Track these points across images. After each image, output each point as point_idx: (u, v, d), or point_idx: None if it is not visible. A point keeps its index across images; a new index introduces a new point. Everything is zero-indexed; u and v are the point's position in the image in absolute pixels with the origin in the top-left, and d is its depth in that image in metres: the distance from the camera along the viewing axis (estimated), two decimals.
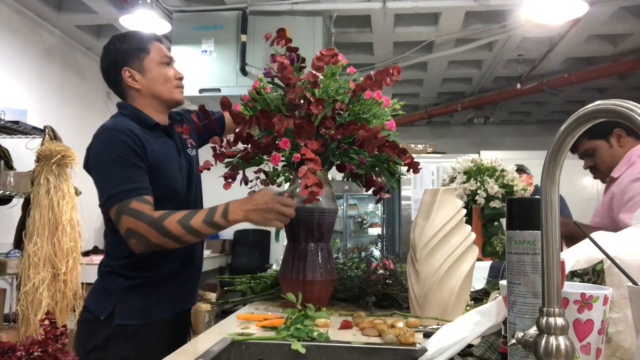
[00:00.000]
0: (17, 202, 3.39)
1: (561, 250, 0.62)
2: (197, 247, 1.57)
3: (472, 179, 2.08)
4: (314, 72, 1.30)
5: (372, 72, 1.33)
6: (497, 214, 2.07)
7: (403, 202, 4.30)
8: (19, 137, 3.48)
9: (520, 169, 4.10)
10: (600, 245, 0.78)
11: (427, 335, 1.00)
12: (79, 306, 3.07)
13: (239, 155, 1.42)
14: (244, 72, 3.73)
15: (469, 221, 1.79)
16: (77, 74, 4.93)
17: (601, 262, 0.94)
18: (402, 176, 1.54)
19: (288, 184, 1.47)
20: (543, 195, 0.60)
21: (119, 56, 1.50)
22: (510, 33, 4.46)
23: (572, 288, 0.73)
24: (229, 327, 1.14)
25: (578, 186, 4.93)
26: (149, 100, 1.51)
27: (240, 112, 1.34)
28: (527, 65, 5.32)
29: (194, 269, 1.58)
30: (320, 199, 1.35)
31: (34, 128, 3.40)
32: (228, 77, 3.78)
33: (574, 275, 1.06)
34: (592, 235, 0.81)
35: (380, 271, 1.46)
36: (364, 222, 7.11)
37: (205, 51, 3.81)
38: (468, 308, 1.22)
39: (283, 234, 1.49)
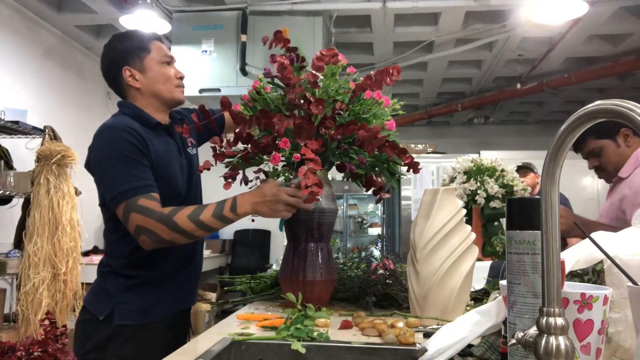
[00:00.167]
0: (17, 202, 3.39)
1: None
2: (197, 247, 1.57)
3: (472, 179, 2.08)
4: (314, 72, 1.30)
5: (372, 72, 1.33)
6: (497, 214, 2.07)
7: (403, 202, 4.30)
8: (19, 137, 3.48)
9: (528, 168, 4.08)
10: (600, 245, 0.78)
11: (427, 335, 1.00)
12: (79, 306, 3.07)
13: (239, 155, 1.42)
14: (244, 72, 3.73)
15: (469, 221, 1.79)
16: (77, 74, 4.93)
17: (601, 262, 0.94)
18: (402, 176, 1.54)
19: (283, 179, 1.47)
20: (543, 195, 0.60)
21: (120, 55, 1.50)
22: (510, 33, 4.46)
23: (572, 288, 0.73)
24: (229, 327, 1.14)
25: (578, 186, 4.93)
26: (149, 99, 1.51)
27: (240, 112, 1.34)
28: (527, 65, 5.32)
29: (194, 269, 1.58)
30: (320, 199, 1.35)
31: (34, 128, 3.40)
32: (228, 77, 3.78)
33: (574, 275, 1.06)
34: (592, 235, 0.81)
35: (380, 271, 1.46)
36: (364, 222, 7.12)
37: (205, 51, 3.81)
38: (468, 308, 1.22)
39: (283, 233, 1.49)
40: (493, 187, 2.03)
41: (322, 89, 1.35)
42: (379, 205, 6.41)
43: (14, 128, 3.27)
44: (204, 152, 1.51)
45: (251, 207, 1.33)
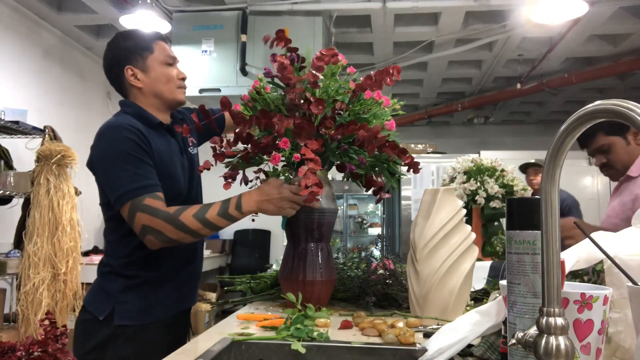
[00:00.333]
0: (17, 202, 3.39)
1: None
2: (197, 247, 1.57)
3: (472, 179, 2.08)
4: (314, 72, 1.30)
5: (372, 72, 1.33)
6: (497, 214, 2.07)
7: (403, 202, 4.30)
8: (19, 137, 3.48)
9: (540, 166, 4.03)
10: (600, 245, 0.78)
11: (427, 335, 1.00)
12: (79, 306, 3.07)
13: (239, 155, 1.42)
14: (244, 72, 3.73)
15: (469, 221, 1.79)
16: (77, 74, 4.93)
17: (601, 262, 0.94)
18: (402, 176, 1.54)
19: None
20: (543, 195, 0.60)
21: (122, 54, 1.49)
22: (510, 33, 4.46)
23: (572, 288, 0.73)
24: (229, 327, 1.14)
25: (578, 186, 4.93)
26: (150, 99, 1.51)
27: (240, 112, 1.34)
28: (527, 65, 5.32)
29: (194, 269, 1.58)
30: (320, 199, 1.35)
31: (34, 128, 3.40)
32: (228, 77, 3.78)
33: (574, 275, 1.06)
34: (592, 235, 0.81)
35: (380, 271, 1.46)
36: (364, 222, 7.12)
37: (205, 51, 3.81)
38: (468, 308, 1.22)
39: (283, 233, 1.49)
40: (493, 187, 2.03)
41: (322, 89, 1.35)
42: (379, 205, 6.41)
43: (14, 128, 3.27)
44: (204, 152, 1.51)
45: (256, 205, 1.34)
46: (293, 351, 0.97)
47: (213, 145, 1.41)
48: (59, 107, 4.61)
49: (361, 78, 1.36)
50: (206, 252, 5.80)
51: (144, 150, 1.37)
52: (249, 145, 1.37)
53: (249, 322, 1.20)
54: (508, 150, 5.59)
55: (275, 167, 1.48)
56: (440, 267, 1.16)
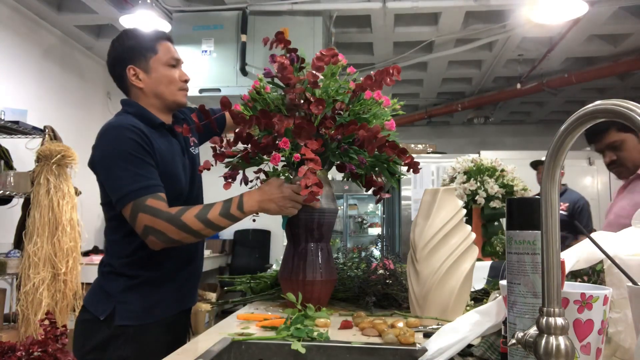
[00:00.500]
0: (17, 202, 3.39)
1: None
2: (198, 247, 1.57)
3: (472, 179, 2.08)
4: (314, 72, 1.30)
5: (372, 72, 1.33)
6: (497, 214, 2.07)
7: (403, 202, 4.30)
8: (19, 137, 3.48)
9: None
10: (600, 245, 0.78)
11: (427, 335, 1.00)
12: (79, 306, 3.08)
13: (239, 155, 1.42)
14: (244, 72, 3.73)
15: (469, 221, 1.79)
16: (77, 74, 4.93)
17: (601, 262, 0.94)
18: (402, 176, 1.54)
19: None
20: (543, 195, 0.60)
21: (126, 53, 1.49)
22: (510, 33, 4.46)
23: (572, 288, 0.73)
24: (229, 327, 1.14)
25: (578, 186, 4.93)
26: (151, 100, 1.50)
27: (240, 112, 1.34)
28: (527, 65, 5.32)
29: (195, 269, 1.58)
30: (320, 199, 1.35)
31: (34, 128, 3.40)
32: (228, 77, 3.78)
33: (574, 275, 1.06)
34: (592, 235, 0.81)
35: (380, 271, 1.46)
36: (364, 222, 7.12)
37: (205, 51, 3.82)
38: (468, 308, 1.22)
39: (283, 233, 1.49)
40: (493, 187, 2.03)
41: (322, 89, 1.35)
42: (379, 205, 6.41)
43: (14, 128, 3.27)
44: (204, 152, 1.51)
45: (258, 205, 1.34)
46: (293, 351, 0.97)
47: (213, 145, 1.41)
48: (59, 107, 4.61)
49: (361, 78, 1.36)
50: (206, 252, 5.80)
51: (145, 151, 1.37)
52: (249, 145, 1.37)
53: (249, 322, 1.20)
54: (508, 150, 5.59)
55: (275, 167, 1.48)
56: (440, 267, 1.16)
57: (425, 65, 5.39)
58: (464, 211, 1.23)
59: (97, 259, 3.94)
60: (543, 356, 0.57)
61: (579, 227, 1.11)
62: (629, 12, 4.24)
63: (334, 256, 1.50)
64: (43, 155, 3.19)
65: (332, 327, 1.14)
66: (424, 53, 4.88)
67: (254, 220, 1.43)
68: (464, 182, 2.09)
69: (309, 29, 3.76)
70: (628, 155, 1.97)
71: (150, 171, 1.36)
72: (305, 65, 1.36)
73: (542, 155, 4.19)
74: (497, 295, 0.94)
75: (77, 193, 3.33)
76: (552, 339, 0.57)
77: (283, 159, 1.36)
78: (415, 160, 1.36)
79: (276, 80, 1.38)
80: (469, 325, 0.85)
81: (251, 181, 1.48)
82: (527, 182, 2.12)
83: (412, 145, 4.67)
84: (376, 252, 1.66)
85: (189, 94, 1.60)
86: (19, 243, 3.21)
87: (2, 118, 3.17)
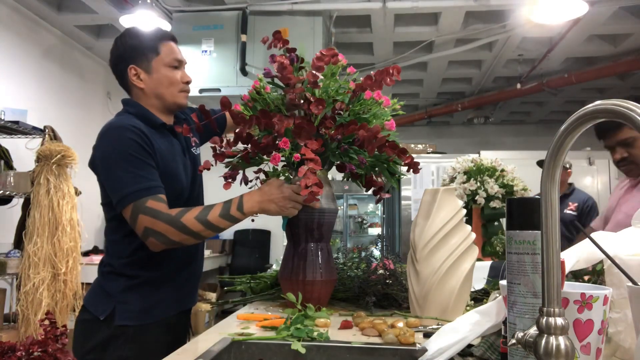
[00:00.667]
0: (17, 202, 3.39)
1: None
2: (198, 247, 1.57)
3: (472, 179, 2.08)
4: (314, 72, 1.30)
5: (372, 72, 1.33)
6: (497, 214, 2.07)
7: (403, 202, 4.30)
8: (19, 137, 3.48)
9: None
10: (600, 245, 0.78)
11: (427, 335, 1.00)
12: (79, 306, 3.08)
13: (239, 155, 1.42)
14: (244, 72, 3.73)
15: (469, 221, 1.79)
16: (77, 74, 4.93)
17: (601, 262, 0.94)
18: (402, 176, 1.54)
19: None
20: (543, 195, 0.60)
21: (128, 52, 1.48)
22: (510, 33, 4.46)
23: (572, 288, 0.73)
24: (229, 327, 1.14)
25: (578, 186, 4.92)
26: (152, 100, 1.50)
27: (240, 112, 1.34)
28: (527, 65, 5.32)
29: (195, 269, 1.58)
30: (320, 199, 1.35)
31: (34, 128, 3.40)
32: (228, 77, 3.78)
33: (574, 275, 1.06)
34: (592, 235, 0.81)
35: (380, 271, 1.46)
36: (364, 222, 7.12)
37: (205, 51, 3.82)
38: (468, 308, 1.22)
39: (283, 233, 1.49)
40: (493, 187, 2.03)
41: (322, 89, 1.35)
42: (379, 205, 6.41)
43: (14, 128, 3.27)
44: (204, 152, 1.51)
45: (258, 206, 1.34)
46: (293, 351, 0.97)
47: (213, 145, 1.41)
48: (59, 107, 4.61)
49: (361, 78, 1.36)
50: (206, 252, 5.80)
51: (146, 152, 1.37)
52: (249, 145, 1.37)
53: (249, 322, 1.20)
54: (508, 150, 5.59)
55: (275, 167, 1.48)
56: (440, 267, 1.16)
57: (425, 65, 5.39)
58: (464, 211, 1.23)
59: (97, 259, 3.94)
60: (543, 356, 0.57)
61: (579, 227, 1.11)
62: (629, 12, 4.23)
63: (334, 256, 1.50)
64: (43, 155, 3.20)
65: (332, 327, 1.14)
66: (424, 53, 4.88)
67: (253, 220, 1.43)
68: (464, 182, 2.09)
69: (309, 29, 3.76)
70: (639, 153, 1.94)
71: (150, 172, 1.36)
72: (304, 65, 1.36)
73: (542, 155, 4.19)
74: (497, 295, 0.94)
75: (77, 193, 3.33)
76: (552, 339, 0.57)
77: (283, 159, 1.36)
78: (415, 160, 1.36)
79: (276, 80, 1.38)
80: (469, 325, 0.85)
81: (251, 181, 1.48)
82: (527, 182, 2.12)
83: (412, 145, 4.67)
84: (376, 252, 1.66)
85: (189, 94, 1.59)
86: (19, 243, 3.21)
87: (2, 118, 3.17)
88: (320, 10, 3.79)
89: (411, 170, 1.37)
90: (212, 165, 1.41)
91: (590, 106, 0.55)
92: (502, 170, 2.10)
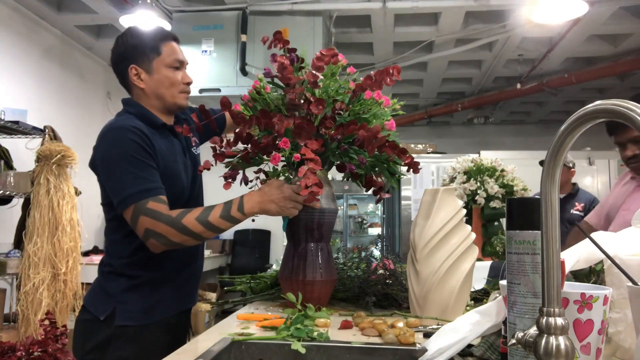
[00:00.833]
0: (17, 202, 3.39)
1: None
2: (198, 247, 1.57)
3: (472, 179, 2.08)
4: (314, 72, 1.30)
5: (372, 72, 1.33)
6: (497, 214, 2.07)
7: (403, 202, 4.30)
8: (19, 137, 3.48)
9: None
10: (600, 245, 0.78)
11: (427, 335, 1.00)
12: (79, 306, 3.07)
13: (239, 155, 1.42)
14: (244, 72, 3.73)
15: (469, 221, 1.79)
16: (77, 74, 4.93)
17: (601, 262, 0.94)
18: (402, 176, 1.54)
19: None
20: (543, 195, 0.60)
21: (129, 52, 1.47)
22: (510, 33, 4.46)
23: (572, 288, 0.73)
24: (229, 327, 1.14)
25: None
26: (152, 100, 1.49)
27: (240, 112, 1.34)
28: (527, 65, 5.32)
29: (195, 269, 1.58)
30: (320, 199, 1.35)
31: (34, 128, 3.40)
32: (228, 77, 3.78)
33: (574, 275, 1.06)
34: (592, 235, 0.81)
35: (380, 271, 1.46)
36: (364, 222, 7.12)
37: (205, 51, 3.82)
38: (468, 308, 1.22)
39: (283, 233, 1.49)
40: (493, 187, 2.03)
41: (322, 89, 1.35)
42: (379, 205, 6.41)
43: (14, 128, 3.27)
44: (204, 152, 1.51)
45: (259, 206, 1.34)
46: (293, 351, 0.97)
47: (213, 145, 1.41)
48: (59, 107, 4.61)
49: (361, 78, 1.36)
50: (206, 252, 5.80)
51: (147, 153, 1.37)
52: (249, 145, 1.37)
53: (249, 322, 1.20)
54: (508, 150, 5.59)
55: (275, 167, 1.48)
56: (440, 267, 1.16)
57: (425, 65, 5.39)
58: (464, 211, 1.23)
59: (97, 259, 3.94)
60: (543, 356, 0.57)
61: (579, 227, 1.11)
62: (629, 12, 4.23)
63: (334, 256, 1.50)
64: (43, 155, 3.20)
65: (332, 327, 1.14)
66: (424, 53, 4.88)
67: (253, 221, 1.43)
68: (464, 182, 2.09)
69: (309, 29, 3.76)
70: None
71: (151, 173, 1.36)
72: (304, 65, 1.36)
73: (542, 155, 4.19)
74: (497, 295, 0.94)
75: (77, 193, 3.33)
76: (552, 339, 0.57)
77: (283, 159, 1.36)
78: (415, 160, 1.36)
79: (276, 80, 1.38)
80: (469, 325, 0.85)
81: (251, 181, 1.48)
82: (527, 182, 2.12)
83: (412, 145, 4.67)
84: (376, 252, 1.66)
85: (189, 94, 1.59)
86: (19, 243, 3.21)
87: (2, 118, 3.17)
88: (320, 10, 3.79)
89: (411, 170, 1.37)
90: (212, 165, 1.41)
91: (590, 106, 0.55)
92: (502, 170, 2.10)
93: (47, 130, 3.43)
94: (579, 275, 1.04)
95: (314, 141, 1.28)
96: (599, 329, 0.69)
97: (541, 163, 4.06)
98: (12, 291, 3.31)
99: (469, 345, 0.87)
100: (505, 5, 3.95)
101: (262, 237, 7.01)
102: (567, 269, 0.83)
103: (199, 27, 3.85)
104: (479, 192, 2.04)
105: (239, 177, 1.47)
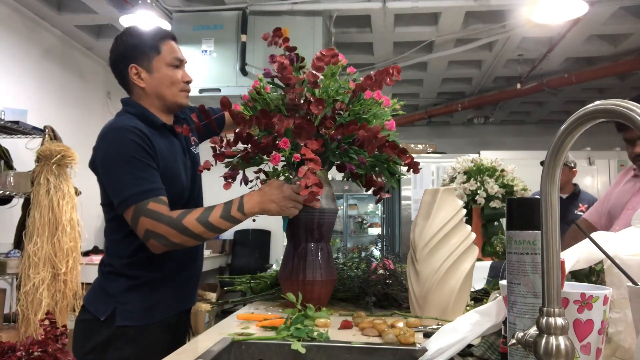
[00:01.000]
0: (17, 202, 3.39)
1: None
2: (198, 248, 1.57)
3: (472, 179, 2.08)
4: (314, 72, 1.30)
5: (372, 72, 1.33)
6: (497, 214, 2.07)
7: (403, 202, 4.30)
8: (19, 137, 3.48)
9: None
10: (600, 245, 0.78)
11: (427, 335, 1.00)
12: (79, 306, 3.07)
13: (239, 155, 1.42)
14: (244, 72, 3.73)
15: (469, 221, 1.79)
16: (77, 74, 4.93)
17: (601, 262, 0.94)
18: (402, 176, 1.54)
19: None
20: (543, 195, 0.60)
21: (128, 51, 1.47)
22: (510, 33, 4.46)
23: (572, 288, 0.73)
24: (229, 327, 1.14)
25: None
26: (153, 100, 1.49)
27: (240, 112, 1.34)
28: (527, 65, 5.32)
29: (195, 269, 1.58)
30: (320, 199, 1.35)
31: (34, 128, 3.40)
32: (228, 77, 3.78)
33: (574, 275, 1.06)
34: (592, 235, 0.81)
35: (380, 271, 1.46)
36: (364, 222, 7.12)
37: (205, 51, 3.82)
38: (468, 308, 1.22)
39: (284, 233, 1.49)
40: (493, 187, 2.03)
41: (322, 89, 1.35)
42: (379, 205, 6.41)
43: (14, 128, 3.27)
44: (204, 152, 1.51)
45: (259, 206, 1.34)
46: (293, 351, 0.97)
47: (213, 145, 1.41)
48: (59, 107, 4.61)
49: (361, 78, 1.36)
50: (206, 252, 5.80)
51: (147, 153, 1.36)
52: (249, 145, 1.37)
53: (249, 322, 1.20)
54: (508, 150, 5.59)
55: (275, 167, 1.48)
56: (440, 267, 1.16)
57: (425, 65, 5.39)
58: (464, 211, 1.23)
59: (97, 259, 3.94)
60: (543, 356, 0.57)
61: (579, 227, 1.11)
62: (629, 12, 4.23)
63: (334, 256, 1.50)
64: (43, 155, 3.19)
65: (332, 327, 1.14)
66: (424, 53, 4.88)
67: (254, 221, 1.43)
68: (464, 182, 2.09)
69: (309, 29, 3.76)
70: None
71: (151, 174, 1.36)
72: (304, 65, 1.36)
73: (542, 155, 4.19)
74: (497, 295, 0.94)
75: (77, 193, 3.33)
76: (552, 339, 0.57)
77: (283, 159, 1.36)
78: (415, 160, 1.36)
79: (276, 80, 1.38)
80: (469, 325, 0.85)
81: (251, 181, 1.48)
82: (527, 182, 2.12)
83: (412, 145, 4.67)
84: (376, 252, 1.66)
85: (189, 94, 1.59)
86: (19, 243, 3.21)
87: (2, 118, 3.17)
88: (320, 10, 3.79)
89: (411, 170, 1.37)
90: (212, 165, 1.41)
91: (590, 106, 0.55)
92: (502, 170, 2.10)
93: (47, 130, 3.43)
94: (579, 275, 1.04)
95: (314, 141, 1.28)
96: (599, 329, 0.69)
97: (542, 163, 4.06)
98: (12, 291, 3.31)
99: (469, 345, 0.87)
100: (505, 5, 3.95)
101: (262, 237, 7.01)
102: (567, 269, 0.83)
103: (199, 27, 3.85)
104: (479, 192, 2.04)
105: (239, 177, 1.47)
